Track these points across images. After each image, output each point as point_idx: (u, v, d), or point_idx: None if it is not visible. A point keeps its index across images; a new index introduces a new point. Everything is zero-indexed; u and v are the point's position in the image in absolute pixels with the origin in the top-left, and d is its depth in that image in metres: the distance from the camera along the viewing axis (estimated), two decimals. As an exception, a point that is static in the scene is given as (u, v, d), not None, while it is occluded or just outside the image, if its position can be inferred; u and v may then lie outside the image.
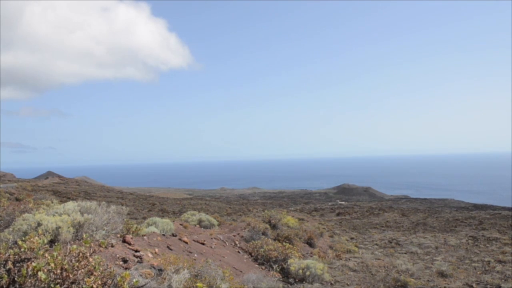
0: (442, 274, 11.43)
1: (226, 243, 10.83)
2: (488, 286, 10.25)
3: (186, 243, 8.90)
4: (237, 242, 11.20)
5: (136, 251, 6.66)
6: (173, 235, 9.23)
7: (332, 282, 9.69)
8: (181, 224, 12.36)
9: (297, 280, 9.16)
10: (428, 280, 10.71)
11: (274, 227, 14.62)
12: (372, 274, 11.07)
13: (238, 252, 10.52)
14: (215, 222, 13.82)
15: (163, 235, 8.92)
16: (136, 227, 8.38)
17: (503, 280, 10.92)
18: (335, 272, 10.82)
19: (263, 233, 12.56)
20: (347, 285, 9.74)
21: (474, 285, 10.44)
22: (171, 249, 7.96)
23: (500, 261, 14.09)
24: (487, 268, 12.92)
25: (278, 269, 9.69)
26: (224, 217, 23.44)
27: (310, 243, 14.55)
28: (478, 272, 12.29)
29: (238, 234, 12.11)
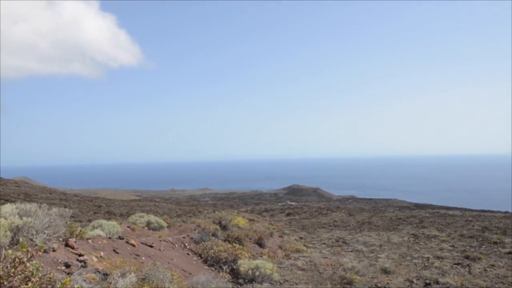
0: (385, 271, 11.92)
1: (176, 245, 10.66)
2: (427, 281, 10.81)
3: (134, 246, 8.66)
4: (186, 244, 11.05)
5: (80, 255, 6.38)
6: (120, 238, 8.94)
7: (281, 281, 9.81)
8: (128, 227, 12.00)
9: (246, 280, 9.19)
10: (372, 277, 11.13)
11: (224, 228, 14.58)
12: (319, 272, 11.33)
13: (188, 254, 10.39)
14: (164, 224, 13.55)
15: (109, 238, 8.62)
16: (81, 230, 8.04)
17: (440, 275, 11.58)
18: (284, 272, 10.97)
19: (213, 234, 12.49)
20: (296, 284, 9.90)
21: (414, 280, 10.98)
22: (117, 253, 7.70)
23: (438, 257, 14.93)
24: (426, 264, 13.64)
25: (228, 270, 9.67)
26: (174, 219, 23.08)
27: (260, 243, 14.65)
28: (418, 268, 12.94)
29: (188, 235, 11.96)
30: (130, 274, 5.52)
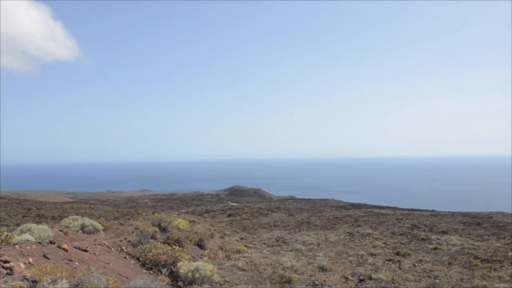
0: (322, 269, 12.30)
1: (112, 248, 10.27)
2: (361, 277, 11.31)
3: (66, 250, 8.22)
4: (123, 247, 10.69)
5: (5, 261, 5.95)
6: (51, 242, 8.45)
7: (221, 282, 9.79)
8: (61, 230, 11.38)
9: (186, 283, 9.07)
10: (310, 275, 11.44)
11: (164, 230, 14.28)
12: (260, 272, 11.45)
13: (125, 257, 10.05)
14: (100, 227, 13.00)
15: (39, 243, 8.12)
16: (7, 235, 7.50)
17: (373, 271, 12.16)
18: (225, 273, 10.96)
19: (152, 237, 12.19)
20: (236, 284, 9.93)
21: (349, 277, 11.44)
22: (48, 258, 7.28)
23: (372, 254, 15.68)
24: (361, 261, 14.27)
25: (167, 273, 9.48)
26: (111, 222, 22.24)
27: (200, 245, 14.53)
28: (353, 265, 13.50)
29: (125, 238, 11.58)
30: (62, 280, 5.24)
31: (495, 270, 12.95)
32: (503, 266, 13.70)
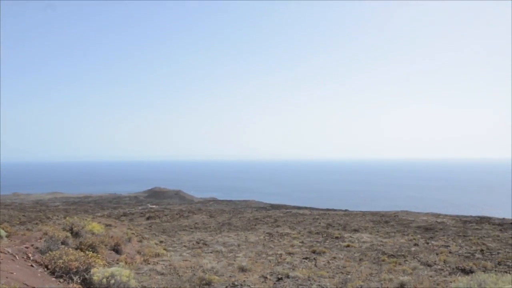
0: (242, 269, 12.44)
1: (17, 256, 9.44)
2: (279, 276, 11.63)
3: (-39, 260, 7.39)
4: (30, 255, 9.88)
5: None
6: None
7: (139, 287, 9.46)
8: (-46, 238, 10.21)
9: (100, 290, 8.62)
10: (230, 276, 11.50)
11: (76, 235, 13.45)
12: (179, 275, 11.26)
13: (32, 266, 9.29)
14: (3, 233, 11.88)
15: None
16: None
17: (291, 270, 12.57)
18: (142, 277, 10.61)
19: (63, 243, 11.42)
20: (154, 289, 9.66)
21: (268, 276, 11.70)
22: None
23: (290, 253, 16.19)
24: (279, 260, 14.68)
25: (79, 281, 8.93)
26: (16, 227, 20.43)
27: (117, 249, 13.90)
28: (272, 264, 13.84)
29: (32, 245, 10.71)
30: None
31: (400, 264, 14.08)
32: (406, 260, 14.94)
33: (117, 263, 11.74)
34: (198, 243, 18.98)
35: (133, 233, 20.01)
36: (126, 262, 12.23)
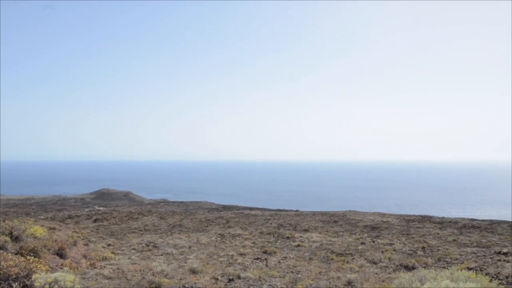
0: (193, 271, 12.31)
1: None
2: (230, 277, 11.63)
3: None
4: (-36, 261, 9.21)
5: None
6: None
7: (85, 293, 9.11)
8: None
9: (42, 296, 8.20)
10: (180, 278, 11.34)
11: (16, 239, 12.73)
12: (127, 279, 10.95)
13: (-35, 273, 8.67)
14: None
15: None
16: None
17: (242, 270, 12.61)
18: (88, 282, 10.22)
19: (1, 247, 10.77)
20: (101, 294, 9.34)
21: (219, 277, 11.66)
22: None
23: (241, 254, 16.23)
24: (231, 261, 14.67)
25: (19, 287, 8.45)
26: None
27: (61, 254, 13.29)
28: (224, 266, 13.81)
29: (-34, 251, 10.00)
30: None
31: (347, 262, 14.55)
32: (354, 258, 15.45)
33: (61, 268, 11.22)
34: (148, 245, 18.56)
35: (78, 237, 19.23)
36: (71, 267, 11.71)
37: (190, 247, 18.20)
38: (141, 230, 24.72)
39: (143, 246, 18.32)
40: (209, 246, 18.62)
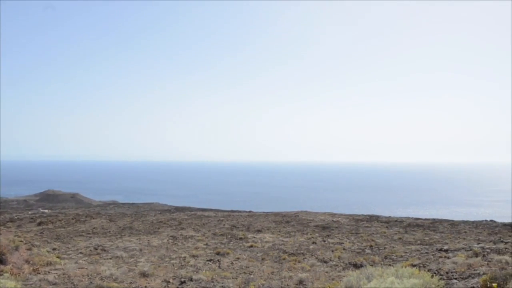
0: (144, 274, 12.05)
1: None
2: (182, 279, 11.50)
3: None
4: None
5: None
6: None
7: (27, 300, 8.67)
8: None
9: (-20, 305, 7.72)
10: (130, 282, 11.07)
11: (-50, 245, 11.87)
12: (74, 284, 10.54)
13: None
14: None
15: None
16: None
17: (194, 272, 12.50)
18: (31, 289, 9.73)
19: None
20: (45, 301, 8.92)
21: (171, 280, 11.49)
22: None
23: (193, 256, 16.07)
24: (183, 264, 14.49)
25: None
26: None
27: (1, 259, 12.55)
28: (176, 268, 13.62)
29: None
30: None
31: (299, 262, 14.82)
32: (305, 257, 15.77)
33: (1, 275, 10.60)
34: (96, 249, 17.93)
35: (21, 241, 18.20)
36: (12, 273, 11.08)
37: (140, 250, 17.79)
38: (89, 233, 23.85)
39: (91, 250, 17.68)
40: (160, 248, 18.28)
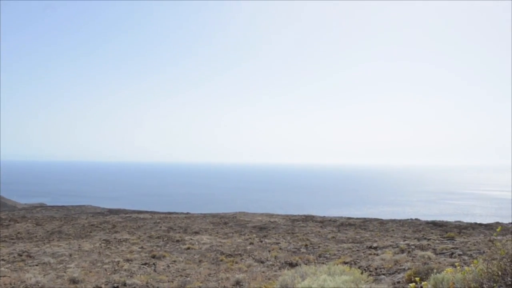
0: (73, 281, 11.48)
1: None
2: (115, 284, 11.10)
3: None
4: None
5: None
6: None
7: None
8: None
9: None
10: (59, 289, 10.50)
11: None
12: (-6, 294, 9.80)
13: None
14: None
15: None
16: None
17: (128, 277, 12.12)
18: None
19: None
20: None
21: (103, 286, 11.05)
22: None
23: (128, 260, 15.57)
24: (116, 268, 13.98)
25: None
26: None
27: None
28: (108, 273, 13.11)
29: None
30: None
31: (236, 263, 14.89)
32: (243, 258, 15.89)
33: None
34: (20, 255, 16.77)
35: None
36: None
37: (70, 255, 16.91)
38: (12, 239, 22.24)
39: (14, 256, 16.50)
40: (92, 253, 17.50)
